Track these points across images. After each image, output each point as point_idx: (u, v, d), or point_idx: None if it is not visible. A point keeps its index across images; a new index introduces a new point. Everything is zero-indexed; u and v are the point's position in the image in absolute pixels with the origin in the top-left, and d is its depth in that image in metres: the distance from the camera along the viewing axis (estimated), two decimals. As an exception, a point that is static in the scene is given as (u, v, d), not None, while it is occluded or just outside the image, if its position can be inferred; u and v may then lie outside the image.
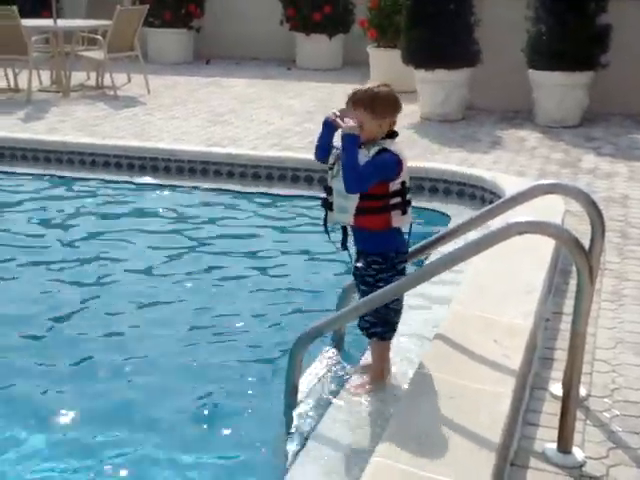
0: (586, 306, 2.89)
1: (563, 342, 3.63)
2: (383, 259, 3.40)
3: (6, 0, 10.98)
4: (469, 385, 2.95)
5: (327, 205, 3.44)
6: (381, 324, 3.46)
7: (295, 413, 3.43)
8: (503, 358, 3.14)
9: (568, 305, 4.05)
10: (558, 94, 8.23)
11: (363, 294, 3.45)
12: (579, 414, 3.10)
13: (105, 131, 8.02)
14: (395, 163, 3.30)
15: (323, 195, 3.46)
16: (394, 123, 3.39)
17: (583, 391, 3.28)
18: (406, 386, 3.17)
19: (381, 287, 3.33)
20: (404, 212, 3.37)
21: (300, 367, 3.51)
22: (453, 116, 8.63)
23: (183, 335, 4.27)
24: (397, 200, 3.34)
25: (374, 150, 3.30)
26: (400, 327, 3.55)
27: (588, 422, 3.17)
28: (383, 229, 3.36)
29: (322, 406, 3.47)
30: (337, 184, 3.35)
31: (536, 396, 3.35)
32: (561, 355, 3.54)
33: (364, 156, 3.28)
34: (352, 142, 3.25)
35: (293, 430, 3.33)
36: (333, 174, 3.39)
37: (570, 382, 2.93)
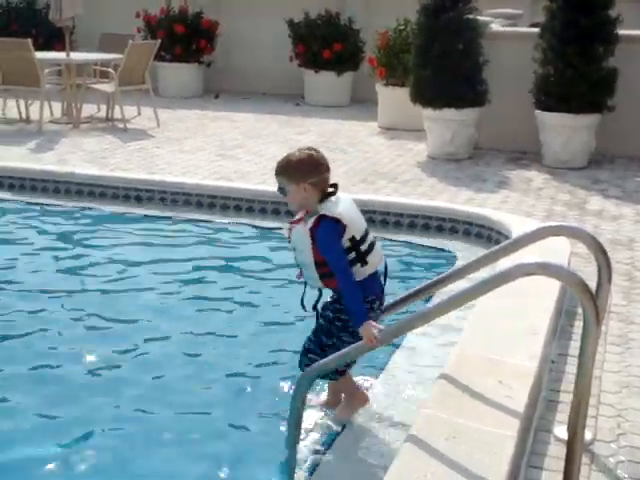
0: (592, 349, 2.88)
1: (568, 385, 3.61)
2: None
3: (21, 33, 11.16)
4: (473, 426, 2.93)
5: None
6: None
7: (299, 447, 3.43)
8: (508, 400, 3.12)
9: (573, 347, 4.03)
10: (565, 136, 8.27)
11: (319, 327, 3.54)
12: (584, 459, 3.08)
13: (114, 163, 8.07)
14: (332, 228, 3.30)
15: None
16: (324, 184, 3.36)
17: (588, 435, 3.26)
18: (410, 424, 3.15)
19: (337, 326, 3.46)
20: (363, 263, 3.38)
21: (305, 401, 3.51)
22: (460, 155, 8.67)
23: (185, 366, 4.27)
24: (352, 256, 3.36)
25: (311, 221, 3.33)
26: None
27: (594, 467, 3.14)
28: None
29: (326, 440, 3.48)
30: (296, 256, 3.47)
31: (540, 439, 3.32)
32: (566, 398, 3.51)
33: (304, 228, 3.35)
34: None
35: (297, 465, 3.33)
36: (290, 247, 3.50)
37: (576, 425, 2.91)
